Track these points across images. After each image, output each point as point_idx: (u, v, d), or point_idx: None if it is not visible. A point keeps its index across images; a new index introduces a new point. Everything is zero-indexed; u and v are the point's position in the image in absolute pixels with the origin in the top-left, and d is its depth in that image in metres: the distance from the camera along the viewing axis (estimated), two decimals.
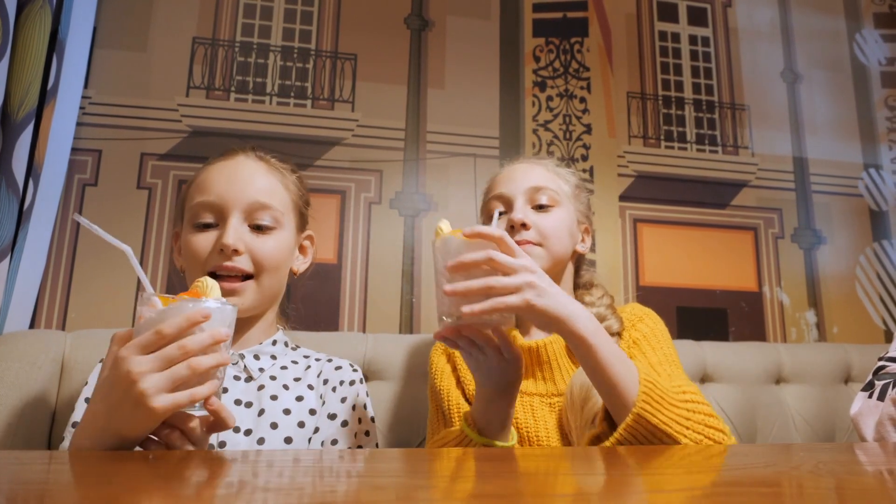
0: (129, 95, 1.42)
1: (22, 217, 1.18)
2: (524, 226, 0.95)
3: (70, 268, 1.32)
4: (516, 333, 0.97)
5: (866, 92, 1.87)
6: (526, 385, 0.92)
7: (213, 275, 0.81)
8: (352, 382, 0.90)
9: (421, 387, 1.16)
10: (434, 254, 0.73)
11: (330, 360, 0.93)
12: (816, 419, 1.35)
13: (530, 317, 0.70)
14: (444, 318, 0.71)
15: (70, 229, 1.33)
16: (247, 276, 0.84)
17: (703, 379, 1.34)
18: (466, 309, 0.66)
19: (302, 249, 0.97)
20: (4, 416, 0.98)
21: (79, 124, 1.36)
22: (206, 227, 0.84)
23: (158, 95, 1.44)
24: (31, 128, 1.17)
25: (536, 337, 0.97)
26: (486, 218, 1.02)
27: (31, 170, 1.19)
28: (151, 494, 0.38)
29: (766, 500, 0.38)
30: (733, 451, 0.62)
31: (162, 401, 0.56)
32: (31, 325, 1.26)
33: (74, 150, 1.35)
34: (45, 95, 1.21)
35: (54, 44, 1.23)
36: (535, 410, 0.90)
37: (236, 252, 0.82)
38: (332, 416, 0.85)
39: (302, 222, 0.95)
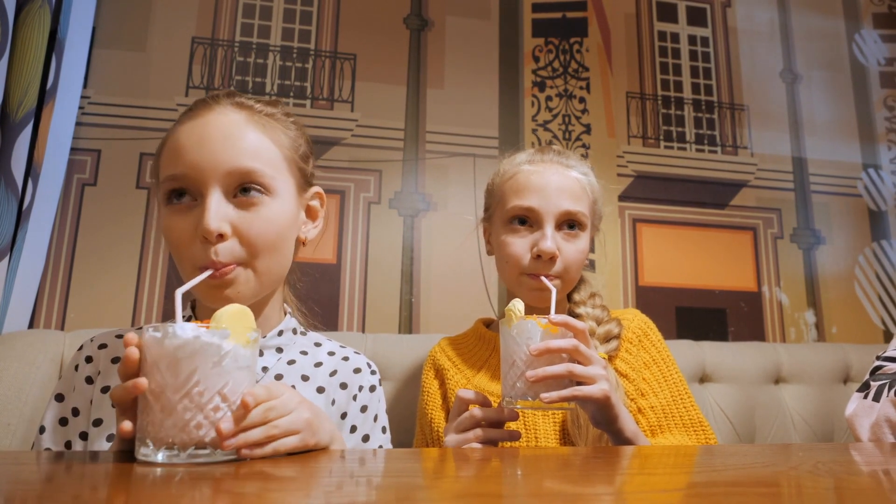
0: (128, 95, 1.42)
1: (21, 217, 1.18)
2: (552, 259, 0.90)
3: (69, 268, 1.32)
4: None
5: (865, 92, 1.87)
6: None
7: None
8: (372, 388, 0.81)
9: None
10: (505, 335, 0.74)
11: (346, 359, 0.83)
12: (815, 419, 1.35)
13: (600, 407, 0.73)
14: (508, 398, 0.72)
15: (69, 229, 1.33)
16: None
17: (703, 379, 1.34)
18: (546, 396, 0.68)
19: (310, 212, 0.80)
20: (3, 415, 0.98)
21: (78, 124, 1.36)
22: (182, 204, 0.68)
23: (158, 95, 1.44)
24: (30, 127, 1.17)
25: None
26: (505, 217, 0.94)
27: (31, 170, 1.19)
28: (149, 496, 0.38)
29: (765, 500, 0.38)
30: (732, 451, 0.62)
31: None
32: (30, 325, 1.26)
33: (73, 149, 1.35)
34: (45, 95, 1.21)
35: (53, 43, 1.23)
36: (535, 413, 0.90)
37: (221, 237, 0.66)
38: (354, 429, 0.78)
39: (304, 179, 0.77)
